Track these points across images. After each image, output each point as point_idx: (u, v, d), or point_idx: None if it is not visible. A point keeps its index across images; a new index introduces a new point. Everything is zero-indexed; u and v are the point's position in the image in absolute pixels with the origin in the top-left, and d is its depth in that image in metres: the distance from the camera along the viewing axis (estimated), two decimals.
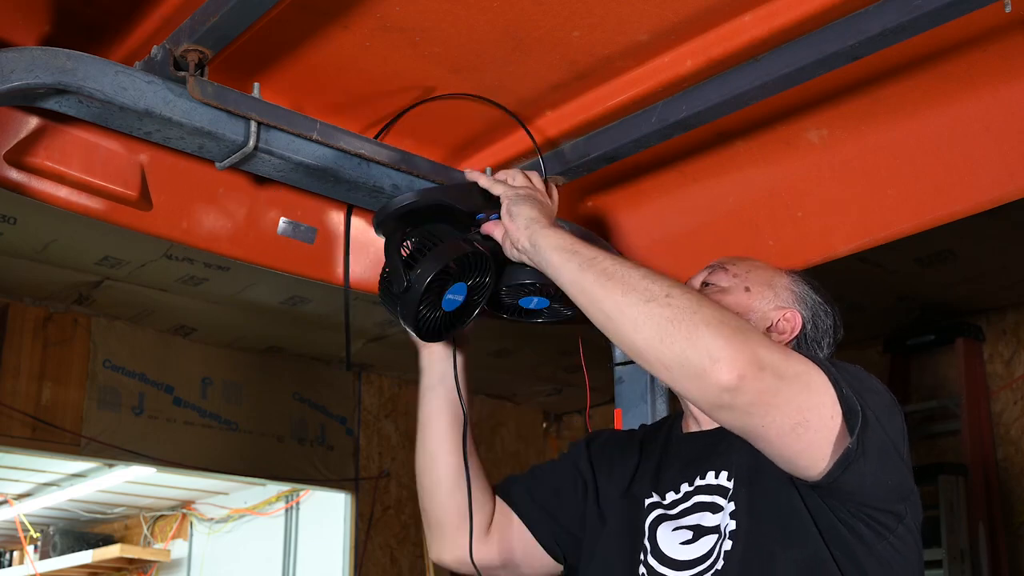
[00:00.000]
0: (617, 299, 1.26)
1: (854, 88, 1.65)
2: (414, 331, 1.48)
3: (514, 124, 1.78)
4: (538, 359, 5.27)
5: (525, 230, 1.42)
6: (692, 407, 1.54)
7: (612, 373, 2.06)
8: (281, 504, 6.08)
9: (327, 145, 1.57)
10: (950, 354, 4.64)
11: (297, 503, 5.97)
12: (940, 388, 4.70)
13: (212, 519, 6.68)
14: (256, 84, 1.52)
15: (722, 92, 1.54)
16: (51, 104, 1.40)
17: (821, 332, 1.54)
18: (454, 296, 1.47)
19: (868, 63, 1.45)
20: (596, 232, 2.04)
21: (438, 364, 1.62)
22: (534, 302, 1.58)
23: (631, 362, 2.04)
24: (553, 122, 1.76)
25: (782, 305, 1.53)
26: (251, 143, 1.49)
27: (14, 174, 1.58)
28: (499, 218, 1.50)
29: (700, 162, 1.90)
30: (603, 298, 1.27)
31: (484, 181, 1.56)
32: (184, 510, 6.87)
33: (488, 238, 1.52)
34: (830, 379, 1.25)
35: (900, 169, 1.74)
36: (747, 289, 1.53)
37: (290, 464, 5.20)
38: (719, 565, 1.35)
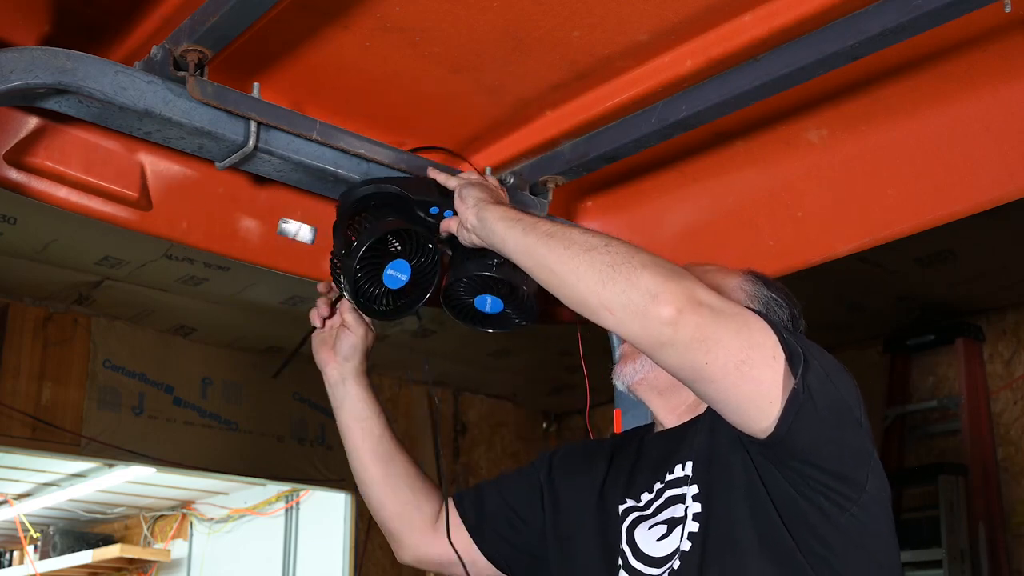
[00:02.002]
0: (560, 253, 1.33)
1: (854, 88, 1.65)
2: (357, 304, 1.54)
3: (514, 124, 1.78)
4: (538, 359, 5.27)
5: (473, 207, 1.48)
6: (658, 414, 1.58)
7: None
8: (281, 504, 6.08)
9: (327, 145, 1.57)
10: (950, 354, 4.64)
11: (297, 503, 5.97)
12: (940, 388, 4.70)
13: (212, 519, 6.68)
14: (256, 84, 1.52)
15: (722, 92, 1.54)
16: (51, 104, 1.40)
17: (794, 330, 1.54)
18: (396, 273, 1.52)
19: (868, 63, 1.45)
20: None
21: (334, 387, 1.68)
22: (488, 303, 1.61)
23: None
24: (553, 122, 1.76)
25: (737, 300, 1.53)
26: (251, 143, 1.49)
27: (14, 174, 1.58)
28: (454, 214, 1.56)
29: (700, 162, 1.90)
30: (546, 254, 1.35)
31: (440, 176, 1.61)
32: (184, 510, 6.87)
33: (448, 238, 1.57)
34: (767, 323, 1.27)
35: (900, 169, 1.74)
36: None
37: (290, 464, 5.20)
38: (684, 546, 1.38)
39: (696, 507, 1.40)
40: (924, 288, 4.31)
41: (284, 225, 1.84)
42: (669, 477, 1.49)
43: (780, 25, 1.45)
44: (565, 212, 2.04)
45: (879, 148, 1.75)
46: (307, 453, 5.24)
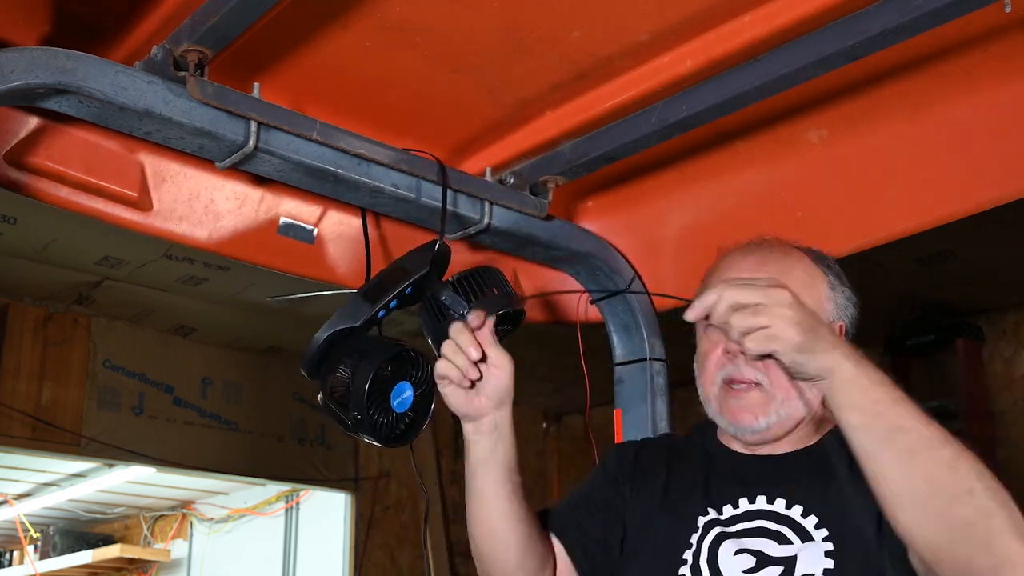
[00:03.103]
0: (919, 486, 1.15)
1: (854, 88, 1.65)
2: (381, 442, 1.50)
3: (514, 124, 1.78)
4: (538, 359, 5.27)
5: (815, 377, 1.20)
6: (741, 435, 1.46)
7: (612, 373, 2.06)
8: (281, 504, 6.08)
9: (327, 145, 1.57)
10: (950, 354, 4.64)
11: (297, 503, 5.97)
12: (940, 388, 4.70)
13: (212, 519, 6.68)
14: (256, 84, 1.52)
15: (722, 92, 1.54)
16: (51, 104, 1.40)
17: (855, 326, 1.51)
18: (402, 396, 1.50)
19: (868, 63, 1.45)
20: (596, 232, 2.04)
21: (485, 438, 1.48)
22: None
23: (631, 362, 2.04)
24: (553, 122, 1.76)
25: (830, 320, 1.47)
26: (251, 143, 1.49)
27: (14, 174, 1.57)
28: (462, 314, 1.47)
29: (700, 162, 1.90)
30: (901, 478, 1.16)
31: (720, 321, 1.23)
32: (184, 510, 6.87)
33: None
34: None
35: (900, 169, 1.74)
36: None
37: (290, 464, 5.20)
38: None
39: (829, 563, 1.32)
40: (924, 288, 4.31)
41: (284, 225, 1.84)
42: (765, 505, 1.41)
43: (780, 25, 1.45)
44: (565, 212, 2.04)
45: (879, 148, 1.75)
46: (307, 453, 5.24)
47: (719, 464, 1.51)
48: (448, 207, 1.71)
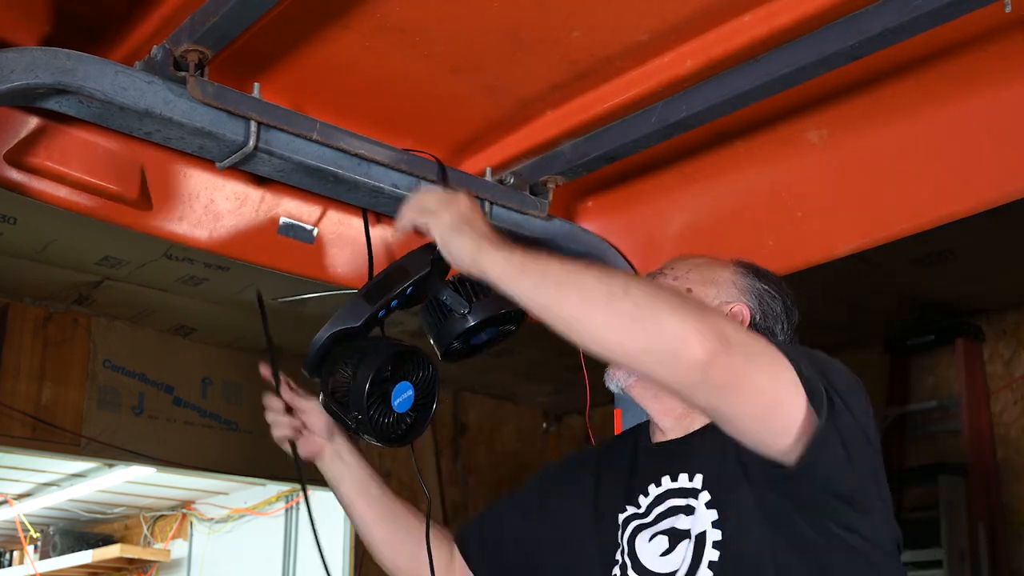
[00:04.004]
0: (578, 307, 1.25)
1: (854, 88, 1.65)
2: (383, 442, 1.53)
3: (514, 124, 1.78)
4: (538, 359, 5.27)
5: (473, 265, 1.35)
6: (658, 421, 1.56)
7: None
8: (281, 504, 6.08)
9: (327, 145, 1.57)
10: (950, 354, 4.64)
11: (297, 503, 5.97)
12: (940, 388, 4.70)
13: (212, 519, 6.68)
14: (256, 84, 1.52)
15: (722, 92, 1.54)
16: (51, 104, 1.40)
17: (771, 319, 1.54)
18: (403, 396, 1.51)
19: (868, 63, 1.45)
20: (596, 232, 2.04)
21: (333, 466, 1.71)
22: (484, 334, 1.60)
23: None
24: (553, 122, 1.76)
25: (727, 300, 1.53)
26: (251, 143, 1.49)
27: (14, 174, 1.57)
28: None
29: (700, 162, 1.90)
30: (564, 309, 1.26)
31: (402, 225, 1.46)
32: (184, 510, 6.86)
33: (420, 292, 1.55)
34: (789, 360, 1.25)
35: (900, 169, 1.74)
36: (688, 291, 1.53)
37: (290, 464, 5.17)
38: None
39: (717, 535, 1.38)
40: (924, 288, 4.31)
41: (284, 225, 1.84)
42: (671, 484, 1.47)
43: (780, 25, 1.45)
44: (565, 212, 2.04)
45: (879, 148, 1.75)
46: None
47: (640, 459, 1.57)
48: None
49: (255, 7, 1.33)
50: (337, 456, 1.68)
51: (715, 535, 1.38)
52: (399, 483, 5.52)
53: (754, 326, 1.51)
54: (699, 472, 1.44)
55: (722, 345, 1.18)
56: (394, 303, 1.53)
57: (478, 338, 1.59)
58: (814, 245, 1.84)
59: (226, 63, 1.49)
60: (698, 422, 1.49)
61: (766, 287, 1.55)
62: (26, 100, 1.39)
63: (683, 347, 1.18)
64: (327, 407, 1.52)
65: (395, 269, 1.56)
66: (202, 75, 1.43)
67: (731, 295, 1.53)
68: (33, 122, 1.57)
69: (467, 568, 1.67)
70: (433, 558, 1.64)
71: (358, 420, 1.47)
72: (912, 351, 4.77)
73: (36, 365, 4.45)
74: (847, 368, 1.36)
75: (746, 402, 1.22)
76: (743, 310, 1.52)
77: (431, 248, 1.56)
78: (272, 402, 1.64)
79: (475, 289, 1.55)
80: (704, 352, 1.17)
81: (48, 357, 4.50)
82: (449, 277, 1.59)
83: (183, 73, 1.42)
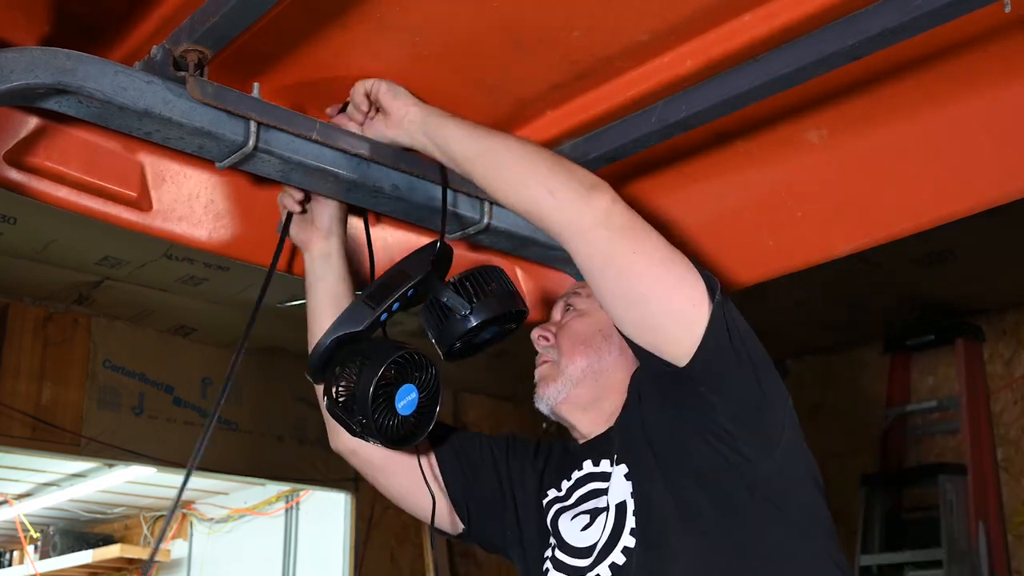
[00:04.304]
0: (516, 153, 1.49)
1: (854, 88, 1.65)
2: (388, 444, 1.51)
3: (514, 124, 1.78)
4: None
5: (415, 105, 1.57)
6: (580, 428, 1.62)
7: None
8: (281, 504, 6.08)
9: (327, 145, 1.57)
10: (950, 354, 4.64)
11: (297, 503, 5.97)
12: (940, 388, 4.70)
13: (212, 519, 6.68)
14: (256, 84, 1.52)
15: (722, 92, 1.54)
16: (51, 104, 1.40)
17: None
18: (407, 399, 1.50)
19: (868, 63, 1.45)
20: None
21: (317, 264, 1.68)
22: (485, 333, 1.60)
23: None
24: (553, 122, 1.76)
25: None
26: (251, 143, 1.49)
27: (14, 174, 1.57)
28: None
29: (700, 162, 1.90)
30: (503, 156, 1.49)
31: (343, 119, 1.62)
32: (184, 510, 6.86)
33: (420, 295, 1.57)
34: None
35: (900, 169, 1.74)
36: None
37: (290, 464, 5.20)
38: (630, 542, 1.41)
39: (633, 504, 1.43)
40: (924, 288, 4.31)
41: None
42: (594, 468, 1.54)
43: (780, 25, 1.45)
44: None
45: (879, 148, 1.75)
46: (307, 453, 5.24)
47: (568, 451, 1.65)
48: (448, 207, 1.71)
49: (255, 7, 1.33)
50: (325, 256, 1.67)
51: (632, 505, 1.43)
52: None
53: None
54: (616, 452, 1.50)
55: (622, 202, 1.41)
56: (395, 306, 1.54)
57: (480, 337, 1.60)
58: (814, 245, 1.84)
59: (226, 63, 1.49)
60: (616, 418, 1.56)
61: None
62: (26, 100, 1.39)
63: (591, 188, 1.40)
64: (331, 411, 1.52)
65: (395, 272, 1.56)
66: (202, 75, 1.43)
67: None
68: (33, 122, 1.57)
69: (432, 456, 1.70)
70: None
71: (362, 424, 1.47)
72: (912, 351, 4.77)
73: (36, 365, 4.46)
74: None
75: (642, 252, 1.37)
76: None
77: (431, 249, 1.56)
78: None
79: (476, 289, 1.56)
80: (608, 197, 1.39)
81: (48, 357, 4.50)
82: (449, 278, 1.59)
83: (183, 73, 1.42)
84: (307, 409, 5.26)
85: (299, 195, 1.66)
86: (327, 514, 5.59)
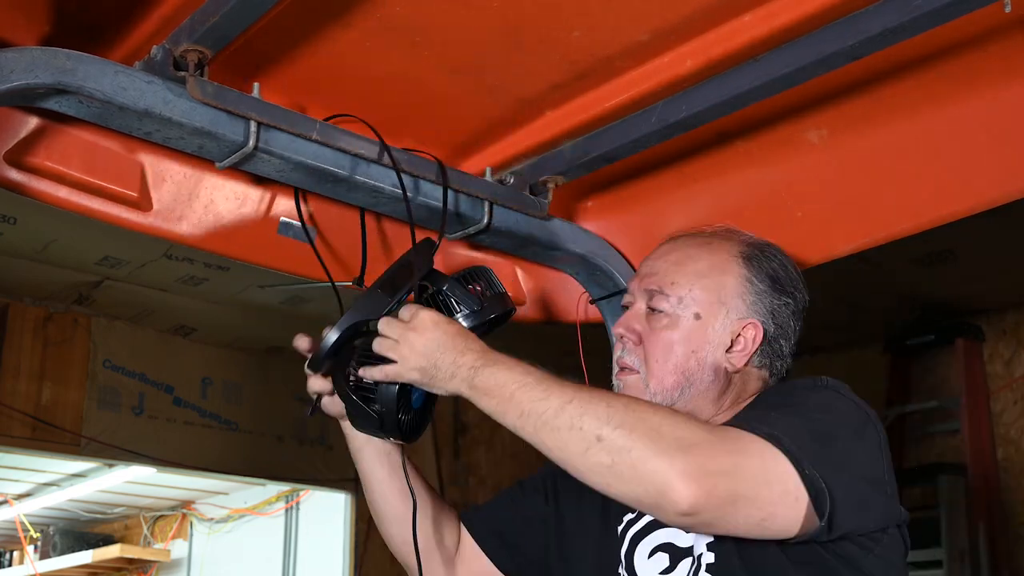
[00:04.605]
0: (556, 452, 1.26)
1: (854, 88, 1.65)
2: (401, 439, 1.51)
3: (514, 124, 1.78)
4: (538, 359, 5.26)
5: (464, 381, 1.36)
6: None
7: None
8: (281, 504, 6.08)
9: (327, 145, 1.57)
10: (950, 354, 4.64)
11: (297, 503, 5.97)
12: (940, 388, 4.70)
13: (212, 519, 6.68)
14: (256, 84, 1.52)
15: (722, 92, 1.54)
16: (51, 104, 1.40)
17: (784, 326, 1.49)
18: (418, 393, 1.50)
19: (868, 63, 1.45)
20: (596, 232, 2.03)
21: (366, 444, 1.60)
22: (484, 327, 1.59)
23: None
24: (553, 122, 1.76)
25: (738, 318, 1.46)
26: (251, 143, 1.49)
27: (14, 174, 1.57)
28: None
29: (700, 162, 1.90)
30: (547, 449, 1.27)
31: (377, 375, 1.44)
32: (184, 510, 6.87)
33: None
34: (790, 460, 1.21)
35: (900, 169, 1.74)
36: (697, 316, 1.46)
37: (290, 464, 5.20)
38: None
39: (711, 557, 1.35)
40: (924, 288, 4.31)
41: (284, 225, 1.84)
42: None
43: (780, 25, 1.45)
44: (565, 212, 2.04)
45: (879, 148, 1.75)
46: (307, 453, 5.24)
47: None
48: (448, 207, 1.72)
49: (255, 7, 1.32)
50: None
51: (708, 558, 1.35)
52: None
53: (767, 339, 1.47)
54: None
55: (707, 486, 1.16)
56: (405, 296, 1.52)
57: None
58: (814, 245, 1.84)
59: (226, 63, 1.49)
60: None
61: (774, 292, 1.48)
62: (26, 100, 1.39)
63: (663, 497, 1.17)
64: (344, 395, 1.49)
65: (402, 264, 1.55)
66: (202, 75, 1.43)
67: (741, 312, 1.46)
68: (33, 122, 1.57)
69: (477, 550, 1.62)
70: (446, 541, 1.62)
71: (381, 414, 1.45)
72: (912, 351, 4.77)
73: (36, 365, 4.46)
74: (853, 405, 1.33)
75: (738, 526, 1.22)
76: (755, 327, 1.46)
77: (430, 245, 1.56)
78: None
79: (483, 287, 1.56)
80: (687, 502, 1.16)
81: (48, 357, 4.50)
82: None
83: (183, 73, 1.42)
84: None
85: (324, 387, 1.55)
86: (327, 514, 5.59)
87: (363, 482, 1.64)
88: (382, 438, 1.54)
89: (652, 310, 1.49)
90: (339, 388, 1.51)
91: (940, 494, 4.31)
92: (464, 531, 1.64)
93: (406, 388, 1.45)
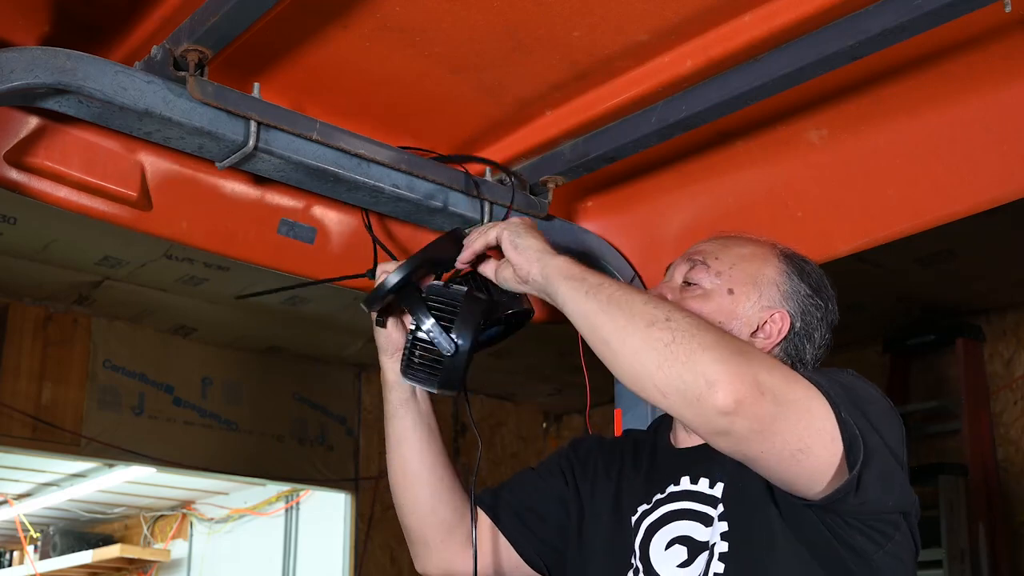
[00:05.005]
0: (619, 324, 1.24)
1: (854, 88, 1.65)
2: (453, 389, 1.46)
3: (514, 124, 1.78)
4: (538, 359, 5.27)
5: (537, 262, 1.38)
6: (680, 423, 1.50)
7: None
8: (281, 504, 6.09)
9: (327, 145, 1.57)
10: (950, 354, 4.64)
11: (297, 503, 5.97)
12: (940, 388, 4.70)
13: (212, 519, 6.68)
14: (256, 84, 1.52)
15: (722, 92, 1.54)
16: (51, 104, 1.40)
17: (811, 327, 1.48)
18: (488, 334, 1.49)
19: (868, 63, 1.45)
20: (596, 232, 2.04)
21: (401, 388, 1.56)
22: (491, 330, 1.56)
23: None
24: (553, 122, 1.76)
25: (768, 305, 1.46)
26: (251, 143, 1.49)
27: (14, 174, 1.57)
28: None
29: (700, 162, 1.90)
30: (605, 324, 1.26)
31: (481, 236, 1.47)
32: (184, 510, 6.87)
33: (468, 277, 1.51)
34: (831, 404, 1.21)
35: (900, 169, 1.74)
36: (730, 291, 1.45)
37: (290, 464, 5.20)
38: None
39: (724, 546, 1.34)
40: (924, 288, 4.31)
41: (284, 225, 1.84)
42: (692, 487, 1.42)
43: (780, 25, 1.45)
44: (565, 212, 2.04)
45: (879, 148, 1.75)
46: (307, 453, 5.25)
47: (659, 460, 1.52)
48: (448, 207, 1.72)
49: (255, 7, 1.33)
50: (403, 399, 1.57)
51: (722, 547, 1.34)
52: None
53: (793, 332, 1.46)
54: (720, 482, 1.38)
55: (753, 393, 1.15)
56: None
57: (493, 331, 1.56)
58: (814, 245, 1.84)
59: (226, 63, 1.49)
60: None
61: (809, 292, 1.48)
62: (26, 100, 1.39)
63: (710, 390, 1.15)
64: (408, 344, 1.44)
65: (438, 243, 1.52)
66: (202, 75, 1.43)
67: (773, 299, 1.46)
68: (33, 122, 1.57)
69: (497, 532, 1.59)
70: (462, 521, 1.58)
71: (448, 368, 1.42)
72: (912, 351, 4.77)
73: (36, 365, 4.46)
74: (880, 393, 1.33)
75: (772, 449, 1.19)
76: (783, 317, 1.46)
77: (458, 234, 1.52)
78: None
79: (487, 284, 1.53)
80: (732, 399, 1.14)
81: (48, 357, 4.50)
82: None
83: (183, 73, 1.42)
84: (307, 409, 5.27)
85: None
86: (327, 514, 5.60)
87: (396, 444, 1.59)
88: (432, 390, 1.49)
89: (687, 284, 1.49)
90: (418, 314, 1.44)
91: (940, 494, 4.31)
92: (480, 514, 1.59)
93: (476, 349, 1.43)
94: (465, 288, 1.48)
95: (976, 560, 4.24)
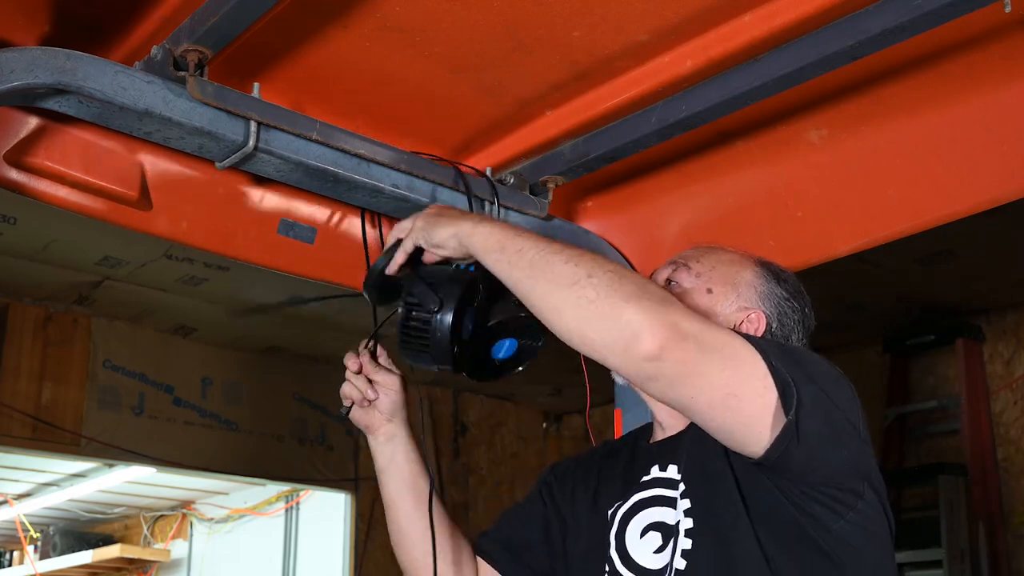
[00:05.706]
0: (542, 288, 1.29)
1: (854, 88, 1.65)
2: (446, 364, 1.46)
3: (514, 124, 1.78)
4: (538, 359, 5.27)
5: (457, 248, 1.40)
6: (658, 415, 1.54)
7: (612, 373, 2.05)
8: (281, 504, 6.09)
9: (327, 145, 1.57)
10: (950, 354, 4.64)
11: (297, 503, 5.97)
12: (940, 388, 4.70)
13: (212, 519, 6.69)
14: (256, 84, 1.52)
15: (722, 92, 1.54)
16: (51, 104, 1.40)
17: (788, 328, 1.51)
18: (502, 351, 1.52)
19: (868, 63, 1.45)
20: (596, 232, 2.04)
21: (383, 447, 1.60)
22: (504, 347, 1.56)
23: None
24: (553, 122, 1.76)
25: (745, 306, 1.50)
26: (251, 143, 1.49)
27: (14, 174, 1.58)
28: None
29: (700, 162, 1.90)
30: (533, 289, 1.30)
31: (397, 250, 1.48)
32: (184, 510, 6.87)
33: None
34: (758, 351, 1.24)
35: (900, 169, 1.74)
36: (709, 291, 1.50)
37: (290, 464, 5.20)
38: (679, 564, 1.36)
39: (689, 522, 1.38)
40: (924, 288, 4.31)
41: (284, 225, 1.84)
42: (660, 474, 1.47)
43: (780, 25, 1.45)
44: (565, 212, 2.04)
45: (879, 148, 1.75)
46: (307, 453, 5.24)
47: (636, 456, 1.56)
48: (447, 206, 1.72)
49: (255, 7, 1.33)
50: (389, 437, 1.60)
51: (687, 523, 1.38)
52: None
53: (770, 333, 1.49)
54: (682, 462, 1.43)
55: (674, 338, 1.19)
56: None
57: (498, 349, 1.56)
58: (814, 245, 1.84)
59: (226, 63, 1.49)
60: None
61: (786, 295, 1.52)
62: (26, 100, 1.39)
63: (634, 339, 1.20)
64: (400, 322, 1.46)
65: None
66: (202, 75, 1.43)
67: (750, 300, 1.51)
68: (33, 122, 1.57)
69: (495, 573, 1.63)
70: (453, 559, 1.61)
71: (435, 338, 1.43)
72: (912, 351, 4.77)
73: (36, 365, 4.46)
74: (831, 365, 1.35)
75: (701, 394, 1.23)
76: (760, 317, 1.49)
77: None
78: (351, 361, 1.61)
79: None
80: (654, 344, 1.19)
81: (48, 357, 4.50)
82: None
83: (183, 73, 1.42)
84: (307, 409, 5.26)
85: (365, 387, 1.59)
86: (327, 514, 5.60)
87: (387, 508, 1.61)
88: (430, 367, 1.49)
89: (669, 282, 1.54)
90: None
91: (940, 494, 4.31)
92: (480, 561, 1.63)
93: (462, 316, 1.43)
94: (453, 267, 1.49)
95: (976, 560, 4.24)
